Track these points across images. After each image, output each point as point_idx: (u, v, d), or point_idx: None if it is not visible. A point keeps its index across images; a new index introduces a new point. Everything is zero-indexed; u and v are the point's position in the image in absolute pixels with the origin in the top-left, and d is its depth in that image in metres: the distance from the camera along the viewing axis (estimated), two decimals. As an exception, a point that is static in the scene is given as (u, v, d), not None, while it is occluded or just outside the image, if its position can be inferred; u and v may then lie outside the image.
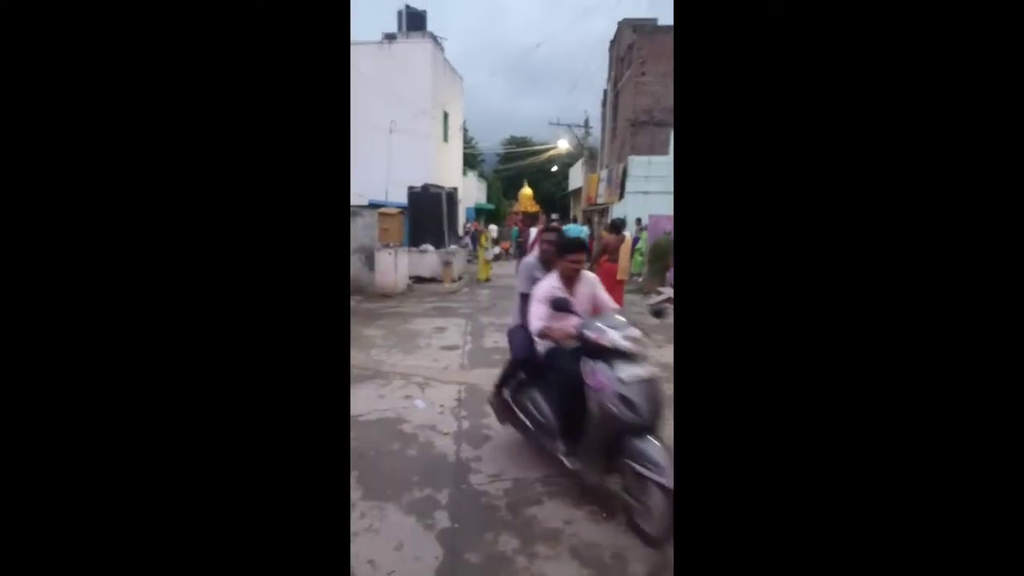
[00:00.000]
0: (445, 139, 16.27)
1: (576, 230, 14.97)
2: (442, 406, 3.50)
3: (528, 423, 2.52)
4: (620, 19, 14.83)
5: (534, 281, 2.50)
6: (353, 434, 2.85)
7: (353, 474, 2.47)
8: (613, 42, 15.39)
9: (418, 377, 4.10)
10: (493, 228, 11.93)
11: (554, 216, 14.38)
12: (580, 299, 2.38)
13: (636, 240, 9.77)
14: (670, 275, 8.89)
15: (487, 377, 4.16)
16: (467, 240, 13.56)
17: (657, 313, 2.48)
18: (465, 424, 3.20)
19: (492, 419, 3.24)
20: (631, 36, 12.68)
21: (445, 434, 3.03)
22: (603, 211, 14.57)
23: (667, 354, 4.97)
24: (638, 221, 10.63)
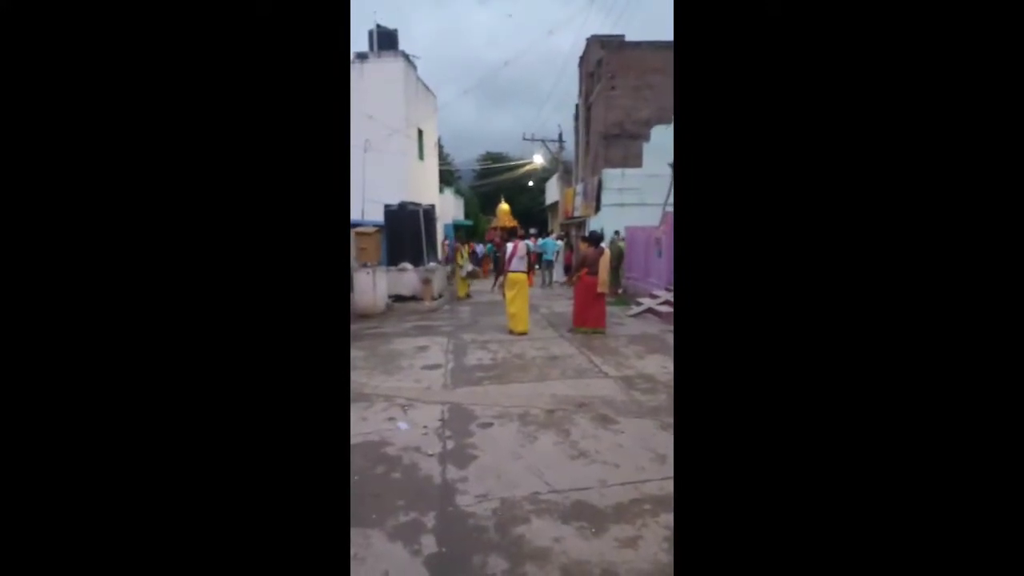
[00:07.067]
0: (421, 157, 16.25)
1: (552, 244, 15.30)
2: (425, 427, 3.45)
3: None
4: (588, 36, 15.16)
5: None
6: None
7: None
8: (582, 58, 15.70)
9: (401, 398, 4.05)
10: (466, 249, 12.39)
11: (532, 230, 14.50)
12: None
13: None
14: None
15: (470, 396, 4.13)
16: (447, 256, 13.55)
17: None
18: (450, 444, 3.16)
19: (477, 438, 3.22)
20: (599, 52, 12.95)
21: (430, 455, 2.99)
22: (580, 224, 14.71)
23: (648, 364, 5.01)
24: (616, 233, 10.73)
